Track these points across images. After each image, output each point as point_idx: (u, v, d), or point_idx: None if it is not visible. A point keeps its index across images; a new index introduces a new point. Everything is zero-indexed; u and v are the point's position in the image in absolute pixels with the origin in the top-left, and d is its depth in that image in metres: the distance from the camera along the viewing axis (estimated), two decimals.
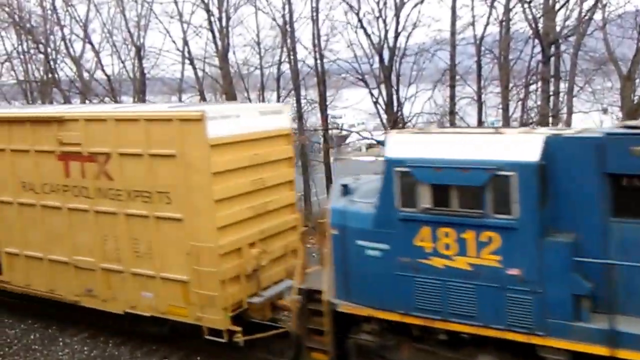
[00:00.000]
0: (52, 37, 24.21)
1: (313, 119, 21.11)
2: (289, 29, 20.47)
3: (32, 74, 25.31)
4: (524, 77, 18.59)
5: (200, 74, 22.21)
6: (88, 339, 11.32)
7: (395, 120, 19.11)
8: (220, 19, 20.85)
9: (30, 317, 12.38)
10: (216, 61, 21.59)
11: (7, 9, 24.22)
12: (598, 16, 17.39)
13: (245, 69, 22.26)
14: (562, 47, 17.88)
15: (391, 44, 19.25)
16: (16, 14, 24.22)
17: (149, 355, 10.53)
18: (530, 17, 17.49)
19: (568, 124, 17.32)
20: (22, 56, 25.19)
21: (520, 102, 18.48)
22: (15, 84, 26.13)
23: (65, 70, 24.73)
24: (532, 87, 18.49)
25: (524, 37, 18.51)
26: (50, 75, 24.49)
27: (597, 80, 18.25)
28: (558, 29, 17.56)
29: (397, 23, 19.09)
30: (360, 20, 19.42)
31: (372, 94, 19.95)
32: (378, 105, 19.79)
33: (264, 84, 21.83)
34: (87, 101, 23.96)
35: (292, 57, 20.69)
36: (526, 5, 17.58)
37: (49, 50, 24.14)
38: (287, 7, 20.25)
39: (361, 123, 19.73)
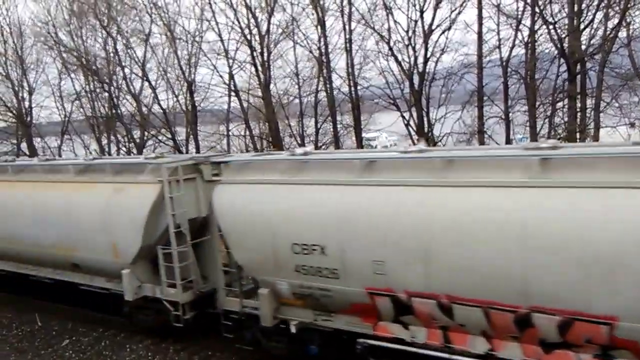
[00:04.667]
0: (114, 77, 26.45)
1: (349, 142, 22.22)
2: (324, 60, 21.68)
3: (98, 111, 27.58)
4: (551, 95, 19.05)
5: (245, 104, 23.71)
6: (151, 345, 11.85)
7: (426, 140, 19.97)
8: (262, 54, 22.31)
9: (101, 325, 13.06)
10: (259, 92, 23.06)
11: (75, 53, 26.80)
12: (623, 34, 17.87)
13: (286, 99, 23.63)
14: (588, 65, 18.21)
15: (421, 69, 20.13)
16: (83, 57, 26.60)
17: None
18: (555, 37, 18.00)
19: (596, 138, 17.69)
20: (89, 95, 27.53)
21: (547, 120, 18.97)
22: (84, 119, 28.60)
23: (127, 105, 26.98)
24: (559, 105, 18.89)
25: (550, 57, 19.01)
26: (114, 111, 26.73)
27: (624, 96, 18.40)
28: (583, 47, 17.91)
29: (426, 49, 19.99)
30: (391, 49, 20.44)
31: (403, 117, 20.84)
32: (409, 127, 20.70)
33: (303, 111, 23.16)
34: (146, 133, 26.14)
35: (328, 85, 21.90)
36: (551, 27, 18.13)
37: (112, 88, 26.39)
38: (322, 40, 21.50)
39: (394, 144, 20.65)
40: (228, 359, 10.99)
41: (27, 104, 29.44)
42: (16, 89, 29.08)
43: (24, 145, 29.82)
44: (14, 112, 29.48)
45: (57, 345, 12.56)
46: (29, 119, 29.58)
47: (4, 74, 29.16)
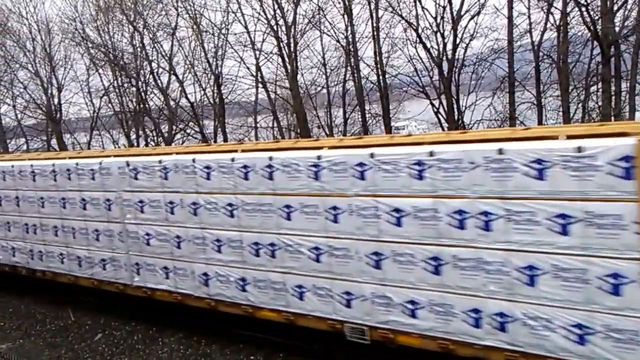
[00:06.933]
0: (142, 71, 26.62)
1: (377, 131, 22.14)
2: (352, 49, 21.52)
3: (126, 105, 27.84)
4: (584, 79, 18.68)
5: (272, 96, 23.75)
6: (183, 338, 11.93)
7: (456, 128, 19.81)
8: (288, 45, 22.22)
9: (134, 319, 13.07)
10: (286, 83, 23.04)
11: (102, 49, 27.10)
12: None
13: (313, 89, 23.54)
14: (622, 47, 17.77)
15: (450, 56, 19.80)
16: (111, 53, 26.85)
17: (237, 352, 11.05)
18: (588, 20, 17.57)
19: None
20: (117, 90, 27.74)
21: (580, 104, 18.66)
22: (112, 115, 28.93)
23: (154, 100, 27.20)
24: (593, 89, 18.50)
25: (583, 40, 18.64)
26: (141, 106, 26.92)
27: None
28: (617, 29, 17.52)
29: (455, 36, 19.65)
30: (419, 36, 20.12)
31: (433, 105, 20.59)
32: (439, 115, 20.47)
33: (331, 102, 23.09)
34: (174, 127, 26.37)
35: (355, 74, 21.71)
36: (584, 9, 17.76)
37: (139, 83, 26.59)
38: (349, 28, 21.34)
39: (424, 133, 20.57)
40: (257, 350, 10.95)
41: (56, 100, 29.87)
42: (45, 86, 29.56)
43: (54, 142, 30.29)
44: (44, 109, 29.96)
45: (90, 339, 12.64)
46: (58, 115, 30.00)
47: (33, 71, 29.68)
